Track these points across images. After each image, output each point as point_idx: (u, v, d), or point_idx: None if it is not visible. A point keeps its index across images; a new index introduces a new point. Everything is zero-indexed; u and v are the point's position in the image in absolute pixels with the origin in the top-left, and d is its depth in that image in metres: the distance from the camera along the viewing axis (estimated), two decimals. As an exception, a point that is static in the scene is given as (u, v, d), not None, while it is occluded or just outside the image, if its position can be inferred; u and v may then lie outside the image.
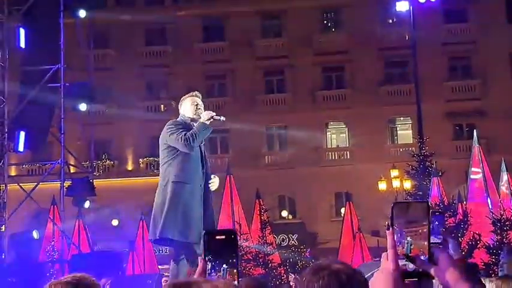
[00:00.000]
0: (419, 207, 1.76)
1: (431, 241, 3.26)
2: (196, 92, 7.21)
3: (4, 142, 17.63)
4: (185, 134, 6.65)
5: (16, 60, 19.02)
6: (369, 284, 1.71)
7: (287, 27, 36.37)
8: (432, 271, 1.74)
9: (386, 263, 1.67)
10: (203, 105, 7.06)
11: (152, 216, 6.82)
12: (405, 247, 1.73)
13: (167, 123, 6.87)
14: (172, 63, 35.77)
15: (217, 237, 1.82)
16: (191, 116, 6.90)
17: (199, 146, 6.86)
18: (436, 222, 3.31)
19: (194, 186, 6.75)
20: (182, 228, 6.63)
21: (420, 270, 1.73)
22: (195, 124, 6.84)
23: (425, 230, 1.76)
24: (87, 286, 2.62)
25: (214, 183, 6.96)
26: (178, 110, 7.15)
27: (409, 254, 1.73)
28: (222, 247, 1.80)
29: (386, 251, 1.72)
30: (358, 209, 21.40)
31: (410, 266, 1.72)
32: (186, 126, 6.77)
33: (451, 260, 1.75)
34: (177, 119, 6.94)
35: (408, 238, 1.74)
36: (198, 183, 6.77)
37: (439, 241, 3.30)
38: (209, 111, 6.88)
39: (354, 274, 2.18)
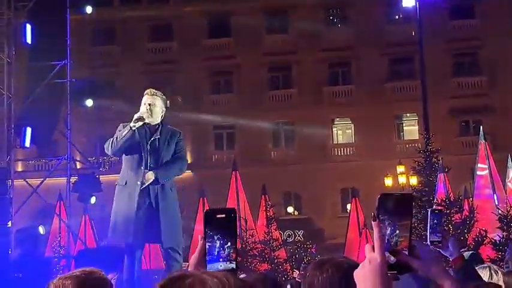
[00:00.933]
0: (404, 200, 1.75)
1: (431, 239, 3.27)
2: (149, 89, 7.18)
3: (10, 138, 17.66)
4: (108, 140, 6.80)
5: (22, 56, 19.05)
6: (354, 274, 1.69)
7: (293, 24, 36.31)
8: (415, 265, 1.73)
9: (373, 254, 1.67)
10: (154, 101, 6.97)
11: None
12: (393, 240, 1.72)
13: None
14: (177, 60, 35.76)
15: (218, 215, 1.81)
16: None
17: (148, 142, 6.79)
18: (436, 221, 3.31)
19: (130, 186, 6.75)
20: (112, 229, 6.84)
21: (403, 263, 1.72)
22: (148, 123, 6.85)
23: (408, 223, 1.75)
24: (96, 280, 2.62)
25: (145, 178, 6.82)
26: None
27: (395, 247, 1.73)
28: (223, 226, 1.80)
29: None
30: (364, 205, 21.38)
31: (392, 259, 1.71)
32: (126, 130, 6.75)
33: (433, 254, 1.75)
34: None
35: (397, 231, 1.73)
36: (135, 182, 6.72)
37: (439, 239, 3.31)
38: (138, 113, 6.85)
39: (357, 265, 2.20)
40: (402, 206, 1.73)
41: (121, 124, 6.92)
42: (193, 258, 1.89)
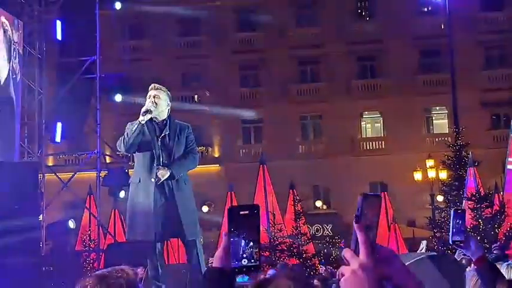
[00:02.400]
0: (378, 200, 1.72)
1: (454, 239, 3.25)
2: (153, 84, 7.22)
3: (42, 133, 17.87)
4: (120, 139, 6.84)
5: (53, 52, 19.23)
6: (342, 281, 1.57)
7: (321, 17, 36.17)
8: (388, 270, 1.64)
9: (360, 259, 1.57)
10: (158, 94, 7.04)
11: None
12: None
13: None
14: (206, 54, 35.85)
15: (241, 212, 1.81)
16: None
17: (158, 139, 6.83)
18: (459, 221, 3.28)
19: (145, 183, 6.78)
20: (130, 227, 6.94)
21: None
22: (154, 118, 6.89)
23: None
24: (115, 279, 2.57)
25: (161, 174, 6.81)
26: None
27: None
28: (247, 223, 1.79)
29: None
30: (393, 200, 21.29)
31: None
32: (135, 124, 6.76)
33: (398, 258, 1.64)
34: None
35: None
36: (150, 179, 6.74)
37: (462, 239, 3.28)
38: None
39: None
40: (377, 207, 1.70)
41: (128, 123, 6.96)
42: (217, 254, 1.90)
